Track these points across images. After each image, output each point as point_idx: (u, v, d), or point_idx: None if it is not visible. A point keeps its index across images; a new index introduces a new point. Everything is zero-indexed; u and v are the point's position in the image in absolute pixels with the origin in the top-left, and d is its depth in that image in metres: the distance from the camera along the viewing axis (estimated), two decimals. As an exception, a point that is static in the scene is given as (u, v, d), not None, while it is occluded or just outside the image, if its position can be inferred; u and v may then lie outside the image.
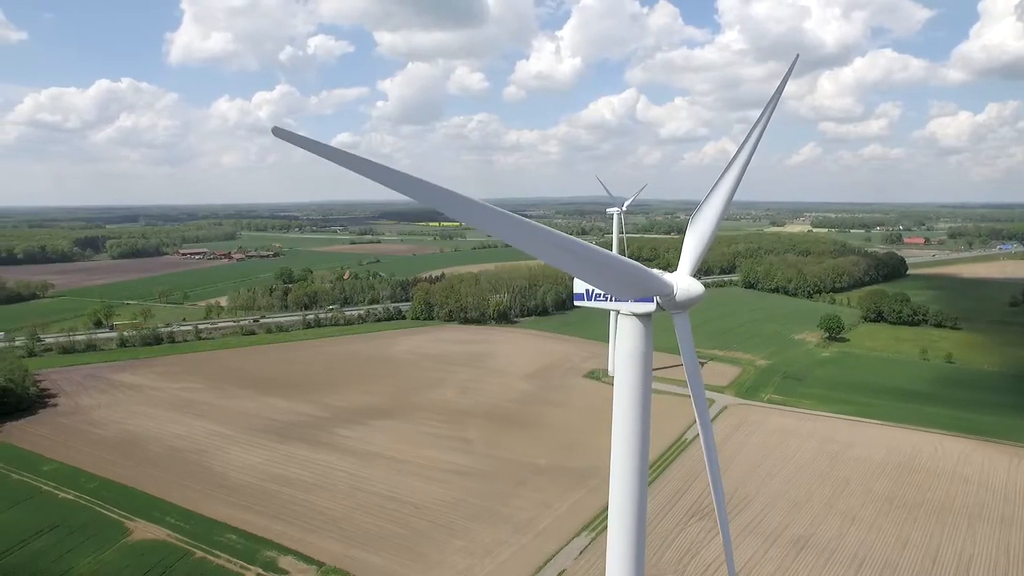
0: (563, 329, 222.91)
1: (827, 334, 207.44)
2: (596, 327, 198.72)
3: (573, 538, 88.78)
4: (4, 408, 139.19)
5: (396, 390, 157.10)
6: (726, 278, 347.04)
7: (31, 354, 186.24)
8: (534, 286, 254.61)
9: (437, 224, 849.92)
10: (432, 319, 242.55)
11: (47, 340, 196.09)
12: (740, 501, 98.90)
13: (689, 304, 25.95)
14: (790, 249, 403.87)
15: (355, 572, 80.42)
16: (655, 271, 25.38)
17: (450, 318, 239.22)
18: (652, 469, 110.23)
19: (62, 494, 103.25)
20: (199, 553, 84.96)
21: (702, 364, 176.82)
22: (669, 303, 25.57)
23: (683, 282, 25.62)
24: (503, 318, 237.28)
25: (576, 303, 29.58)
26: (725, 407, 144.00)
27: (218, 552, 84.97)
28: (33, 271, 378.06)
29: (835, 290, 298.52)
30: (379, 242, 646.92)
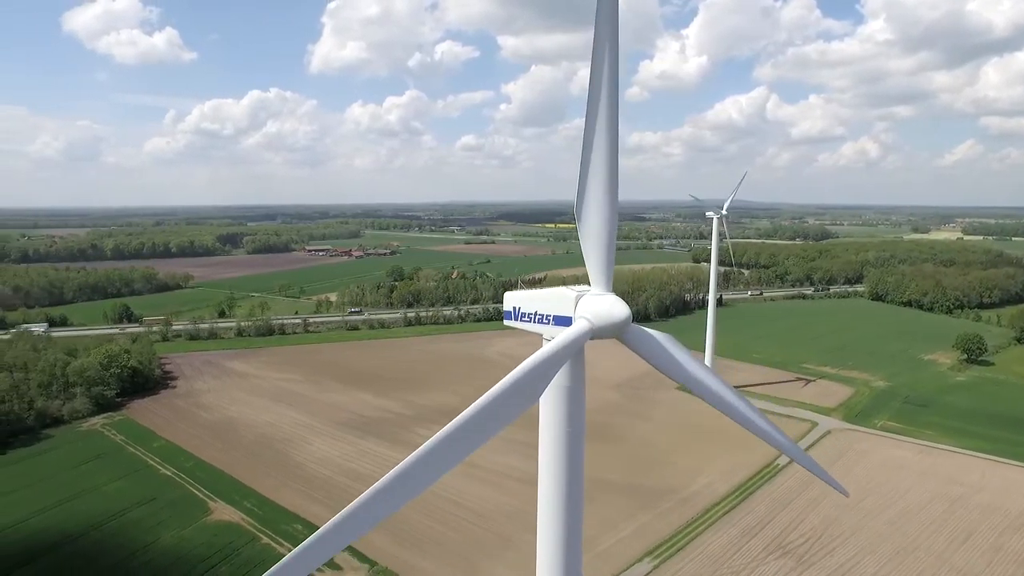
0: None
1: (964, 355, 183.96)
2: (700, 336, 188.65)
3: (633, 564, 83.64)
4: (133, 387, 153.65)
5: (481, 392, 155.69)
6: (851, 288, 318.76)
7: (164, 339, 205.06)
8: (637, 291, 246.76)
9: (553, 226, 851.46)
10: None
11: (178, 327, 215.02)
12: (829, 541, 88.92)
13: (612, 331, 21.40)
14: (929, 258, 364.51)
15: None
16: (566, 289, 21.56)
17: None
18: (733, 496, 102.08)
19: (163, 470, 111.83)
20: (265, 539, 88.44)
21: (809, 382, 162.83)
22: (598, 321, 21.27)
23: (593, 303, 21.14)
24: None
25: (505, 322, 25.66)
26: (828, 431, 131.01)
27: (282, 540, 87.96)
28: (182, 264, 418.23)
29: (982, 306, 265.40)
30: (493, 242, 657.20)
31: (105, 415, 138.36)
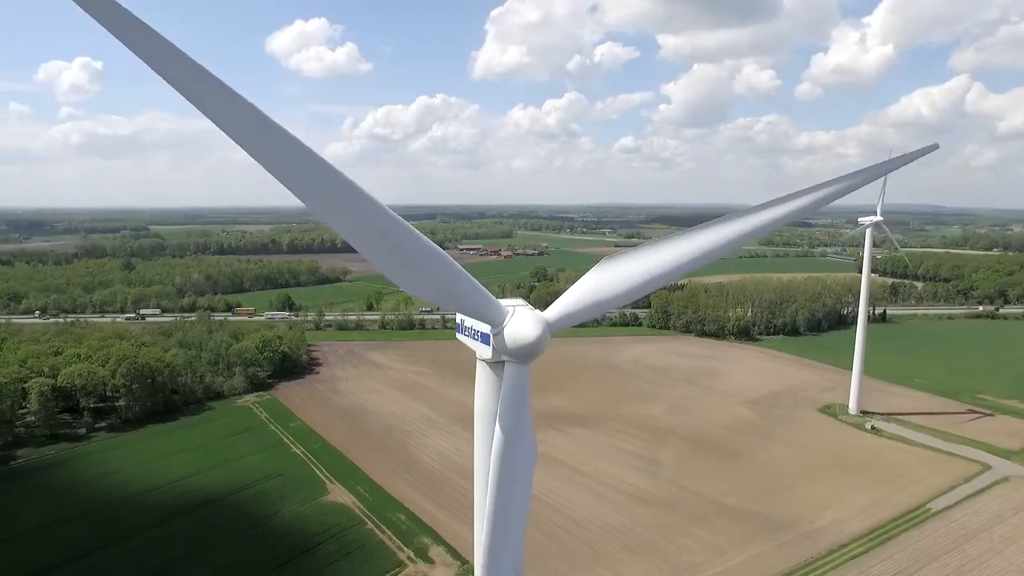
0: (810, 353, 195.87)
1: None
2: (850, 354, 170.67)
3: (736, 598, 76.81)
4: (283, 370, 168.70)
5: (604, 398, 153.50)
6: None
7: (317, 328, 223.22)
8: (784, 302, 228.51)
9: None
10: (668, 328, 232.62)
11: (329, 317, 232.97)
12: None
13: (522, 354, 18.57)
14: None
15: (493, 577, 79.78)
16: (502, 301, 19.22)
17: (686, 329, 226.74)
18: (868, 538, 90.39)
19: (294, 448, 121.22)
20: (369, 525, 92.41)
21: (982, 416, 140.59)
22: (500, 346, 18.96)
23: (516, 320, 18.57)
24: (744, 334, 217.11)
25: (457, 335, 23.47)
26: (1005, 478, 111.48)
27: (385, 528, 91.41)
28: (343, 259, 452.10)
29: None
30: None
31: (256, 394, 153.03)
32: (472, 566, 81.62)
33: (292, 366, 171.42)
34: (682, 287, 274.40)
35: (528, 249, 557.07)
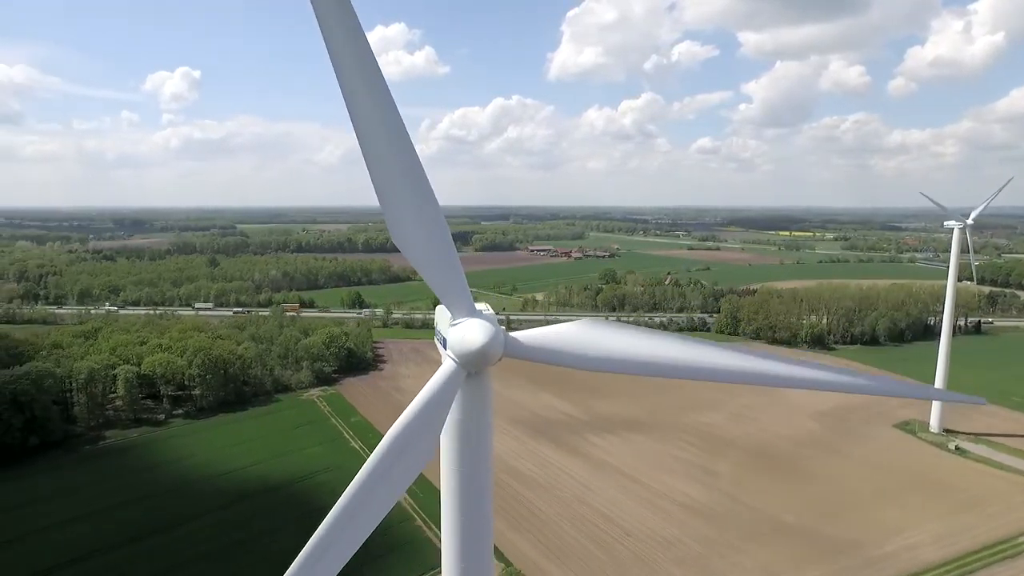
0: (891, 364, 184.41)
1: None
2: (931, 368, 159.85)
3: (789, 621, 73.13)
4: (348, 365, 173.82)
5: (665, 405, 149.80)
6: None
7: (384, 325, 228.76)
8: (864, 310, 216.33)
9: (787, 233, 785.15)
10: (737, 335, 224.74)
11: (396, 315, 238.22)
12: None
13: (465, 359, 17.50)
14: None
15: (535, 582, 79.30)
16: (479, 305, 18.38)
17: (757, 336, 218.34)
18: (943, 568, 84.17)
19: (353, 443, 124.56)
20: (418, 521, 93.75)
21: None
22: (449, 345, 17.98)
23: (469, 323, 17.58)
24: (818, 343, 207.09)
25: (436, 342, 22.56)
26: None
27: (432, 525, 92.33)
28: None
29: None
30: (718, 249, 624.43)
31: (321, 388, 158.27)
32: (516, 569, 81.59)
33: (357, 362, 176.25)
34: (753, 292, 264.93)
35: (599, 251, 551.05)
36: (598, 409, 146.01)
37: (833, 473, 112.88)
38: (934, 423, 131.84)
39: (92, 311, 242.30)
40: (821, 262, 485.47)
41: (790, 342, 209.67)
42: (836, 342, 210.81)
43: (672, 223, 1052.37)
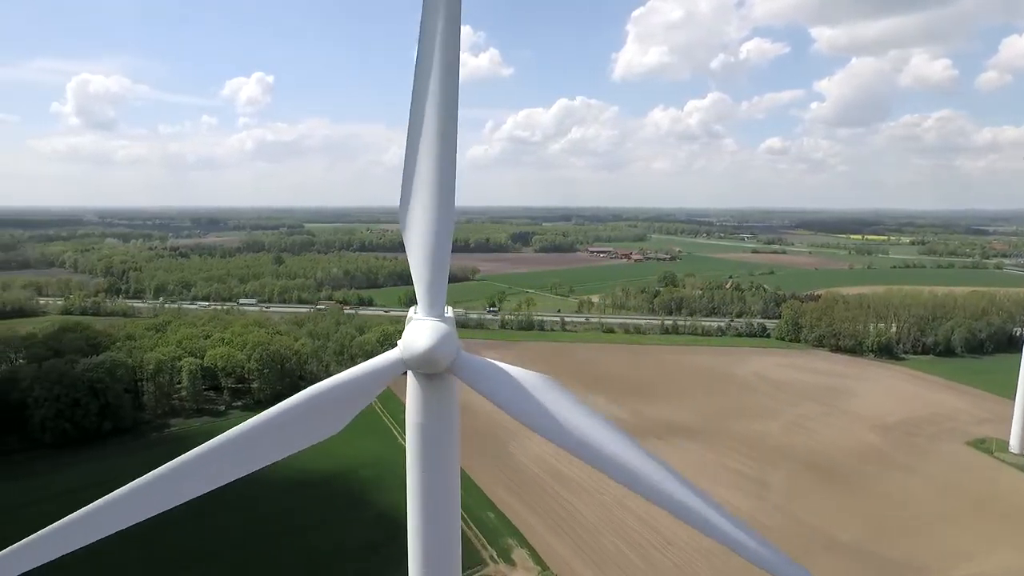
0: (966, 377, 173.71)
1: None
2: (1011, 384, 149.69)
3: (836, 643, 69.71)
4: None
5: (717, 412, 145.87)
6: None
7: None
8: (938, 318, 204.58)
9: (859, 237, 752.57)
10: (799, 342, 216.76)
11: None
12: None
13: (425, 364, 17.45)
14: None
15: (571, 587, 78.48)
16: (449, 308, 18.26)
17: (819, 343, 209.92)
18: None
19: (399, 439, 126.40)
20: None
21: None
22: (403, 350, 17.99)
23: (421, 323, 17.57)
24: (885, 352, 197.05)
25: None
26: None
27: (473, 525, 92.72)
28: (475, 258, 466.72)
29: None
30: (784, 252, 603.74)
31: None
32: (552, 574, 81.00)
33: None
34: (817, 297, 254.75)
35: (660, 253, 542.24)
36: (648, 413, 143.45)
37: (895, 491, 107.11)
38: (1014, 443, 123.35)
39: (165, 305, 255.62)
40: (895, 267, 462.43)
41: (855, 350, 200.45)
42: (905, 351, 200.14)
43: (737, 225, 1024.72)
